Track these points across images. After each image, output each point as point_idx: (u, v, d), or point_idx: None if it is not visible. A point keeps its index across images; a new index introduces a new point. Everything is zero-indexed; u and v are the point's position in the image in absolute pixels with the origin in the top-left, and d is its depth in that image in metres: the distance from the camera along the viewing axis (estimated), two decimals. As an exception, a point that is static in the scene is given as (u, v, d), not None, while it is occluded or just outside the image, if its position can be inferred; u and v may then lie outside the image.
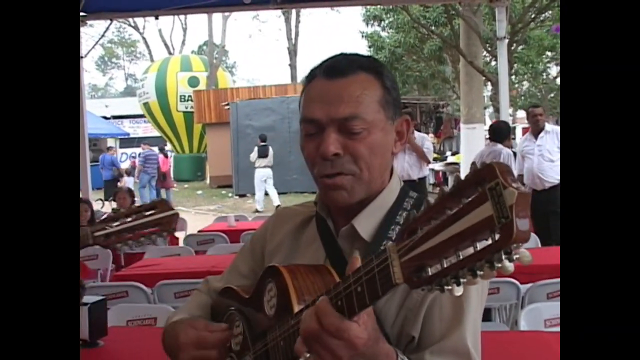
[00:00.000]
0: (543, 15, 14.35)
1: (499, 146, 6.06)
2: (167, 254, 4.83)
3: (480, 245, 0.67)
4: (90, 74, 47.80)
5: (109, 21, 7.66)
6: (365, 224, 1.12)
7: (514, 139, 10.06)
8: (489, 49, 13.10)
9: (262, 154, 13.60)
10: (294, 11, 25.49)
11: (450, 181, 13.89)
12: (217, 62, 24.80)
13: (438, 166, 15.06)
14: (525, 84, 24.85)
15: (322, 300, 0.86)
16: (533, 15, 12.60)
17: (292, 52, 28.31)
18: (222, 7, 8.01)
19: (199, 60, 23.87)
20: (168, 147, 22.83)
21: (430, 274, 0.73)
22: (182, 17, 32.27)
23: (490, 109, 17.68)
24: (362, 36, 21.04)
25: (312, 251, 1.19)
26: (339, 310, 0.85)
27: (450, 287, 0.71)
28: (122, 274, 4.08)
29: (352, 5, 11.00)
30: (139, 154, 16.52)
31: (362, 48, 21.53)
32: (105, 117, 25.83)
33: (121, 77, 54.83)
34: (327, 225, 1.18)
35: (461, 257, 0.69)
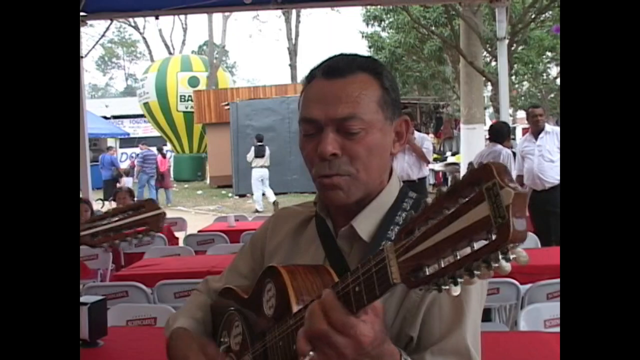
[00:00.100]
0: (543, 15, 14.34)
1: (499, 146, 6.06)
2: (167, 254, 4.83)
3: (477, 245, 0.67)
4: (90, 74, 47.88)
5: (109, 21, 7.66)
6: (365, 224, 1.12)
7: (514, 139, 10.06)
8: (489, 49, 13.10)
9: (259, 154, 13.65)
10: (294, 11, 25.49)
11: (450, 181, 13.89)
12: (217, 62, 24.80)
13: (438, 166, 15.06)
14: (526, 84, 24.86)
15: (328, 294, 0.86)
16: (533, 16, 12.59)
17: (292, 52, 28.30)
18: (222, 7, 8.00)
19: (199, 60, 23.87)
20: (168, 147, 22.85)
21: (427, 273, 0.73)
22: (182, 17, 32.28)
23: (491, 110, 17.66)
24: (362, 36, 21.05)
25: (312, 251, 1.19)
26: None
27: (447, 287, 0.71)
28: (122, 273, 4.09)
29: (352, 6, 10.99)
30: (137, 154, 16.53)
31: (362, 48, 21.54)
32: (105, 117, 25.81)
33: (121, 77, 54.88)
34: (327, 226, 1.18)
35: (458, 257, 0.69)
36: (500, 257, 0.65)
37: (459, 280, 0.70)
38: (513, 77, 19.01)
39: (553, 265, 3.30)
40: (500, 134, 6.21)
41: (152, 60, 32.86)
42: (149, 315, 2.88)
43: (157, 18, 7.24)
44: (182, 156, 22.51)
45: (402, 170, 6.37)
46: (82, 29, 6.91)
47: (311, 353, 0.87)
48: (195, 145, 22.29)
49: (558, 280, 2.94)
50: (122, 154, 23.83)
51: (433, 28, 15.72)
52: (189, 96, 21.12)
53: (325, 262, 1.14)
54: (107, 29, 8.59)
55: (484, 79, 11.26)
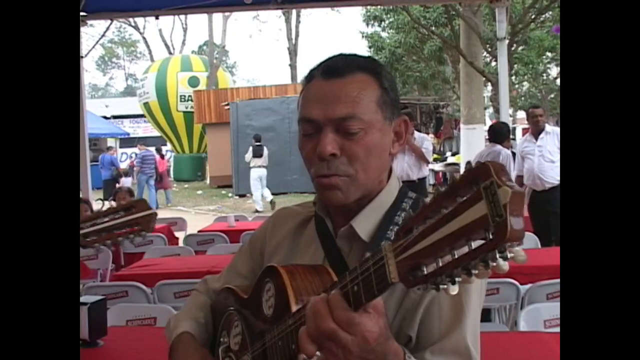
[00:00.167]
0: (543, 16, 14.33)
1: (498, 147, 6.06)
2: (167, 254, 4.84)
3: (475, 244, 0.67)
4: (90, 74, 47.85)
5: (109, 21, 7.65)
6: (364, 224, 1.12)
7: (514, 139, 10.05)
8: (489, 49, 13.11)
9: (257, 154, 13.68)
10: (294, 11, 25.49)
11: (450, 182, 13.88)
12: (217, 62, 24.80)
13: (438, 167, 15.07)
14: (526, 84, 24.85)
15: (334, 294, 0.86)
16: (533, 16, 12.59)
17: (292, 52, 28.29)
18: (223, 7, 7.99)
19: (199, 60, 23.88)
20: (168, 147, 22.85)
21: (425, 272, 0.73)
22: (182, 17, 32.29)
23: (491, 110, 17.66)
24: (362, 36, 21.03)
25: (311, 251, 1.19)
26: None
27: (445, 286, 0.71)
28: (121, 273, 4.09)
29: (352, 6, 10.98)
30: (136, 155, 16.55)
31: (362, 48, 21.53)
32: (105, 117, 25.81)
33: (121, 77, 54.86)
34: (326, 226, 1.18)
35: (456, 256, 0.69)
36: (497, 256, 0.65)
37: (457, 279, 0.70)
38: (513, 78, 19.00)
39: (553, 266, 3.31)
40: (499, 134, 6.21)
41: (152, 60, 32.86)
42: (148, 315, 2.88)
43: (157, 18, 7.23)
44: (182, 156, 22.51)
45: (402, 170, 6.37)
46: (82, 29, 6.91)
47: (318, 353, 0.87)
48: (195, 145, 22.29)
49: (558, 280, 2.94)
50: (122, 154, 23.84)
51: (433, 28, 15.71)
52: (189, 96, 21.12)
53: (325, 262, 1.14)
54: (107, 29, 8.59)
55: (484, 79, 11.26)
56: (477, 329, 1.07)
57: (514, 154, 6.25)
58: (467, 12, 10.67)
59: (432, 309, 1.04)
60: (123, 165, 18.68)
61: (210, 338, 1.30)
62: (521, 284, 3.02)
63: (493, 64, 15.12)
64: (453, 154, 16.35)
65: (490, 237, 0.65)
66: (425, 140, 6.76)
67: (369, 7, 17.31)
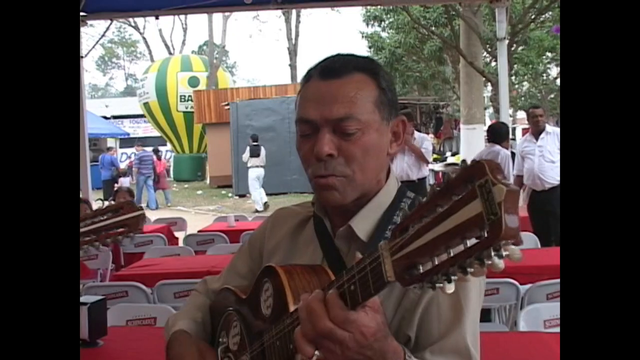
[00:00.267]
0: (543, 16, 14.34)
1: (497, 147, 6.06)
2: (167, 254, 4.84)
3: (470, 242, 0.67)
4: (90, 74, 47.81)
5: (109, 21, 7.65)
6: (362, 224, 1.12)
7: (514, 139, 10.06)
8: (489, 49, 13.11)
9: (254, 154, 13.70)
10: (294, 11, 25.49)
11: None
12: (217, 62, 24.80)
13: (438, 167, 15.05)
14: (526, 84, 24.84)
15: (331, 293, 0.86)
16: (533, 16, 12.60)
17: (292, 52, 28.29)
18: (223, 7, 7.99)
19: (199, 60, 23.87)
20: (168, 147, 22.84)
21: (421, 271, 0.73)
22: (182, 17, 32.27)
23: (490, 110, 17.66)
24: (362, 36, 21.04)
25: (310, 251, 1.19)
26: None
27: (441, 285, 0.71)
28: (121, 273, 4.09)
29: (352, 6, 10.98)
30: (135, 155, 16.58)
31: (362, 48, 21.52)
32: (105, 117, 25.81)
33: (121, 77, 54.84)
34: (325, 226, 1.18)
35: (452, 255, 0.69)
36: (493, 254, 0.65)
37: (453, 277, 0.70)
38: (513, 78, 18.99)
39: (553, 266, 3.31)
40: (498, 134, 6.21)
41: (152, 60, 32.86)
42: (148, 315, 2.88)
43: (157, 18, 7.23)
44: (182, 156, 22.51)
45: (402, 170, 6.37)
46: (82, 29, 6.90)
47: (317, 353, 0.87)
48: (195, 145, 22.29)
49: (558, 280, 2.94)
50: (122, 154, 23.82)
51: (433, 28, 15.72)
52: (189, 96, 21.11)
53: (323, 262, 1.14)
54: (107, 29, 8.59)
55: (483, 79, 11.28)
56: (476, 328, 1.07)
57: (513, 154, 6.25)
58: (467, 12, 10.68)
59: (430, 309, 1.04)
60: (123, 166, 18.69)
61: (208, 338, 1.30)
62: (521, 284, 3.02)
63: (493, 64, 15.13)
64: (453, 154, 16.33)
65: (485, 235, 0.65)
66: (425, 141, 6.75)
67: (369, 7, 17.31)
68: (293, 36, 28.39)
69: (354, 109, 1.06)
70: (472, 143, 10.16)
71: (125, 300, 3.24)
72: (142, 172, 15.43)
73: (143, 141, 18.02)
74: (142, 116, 24.92)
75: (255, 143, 13.74)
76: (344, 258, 1.13)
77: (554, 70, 23.23)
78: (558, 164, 5.57)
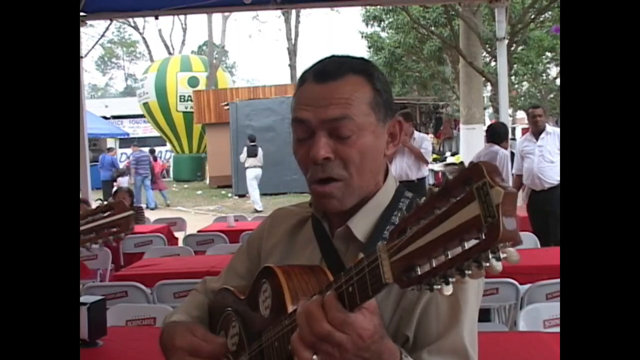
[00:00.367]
0: (543, 16, 14.35)
1: (496, 147, 6.06)
2: (167, 254, 4.84)
3: (468, 245, 0.67)
4: (90, 74, 47.72)
5: (108, 21, 7.66)
6: (361, 225, 1.12)
7: (514, 139, 10.05)
8: (489, 49, 13.10)
9: (252, 154, 13.71)
10: (293, 11, 25.48)
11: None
12: (217, 62, 24.80)
13: (437, 167, 15.06)
14: (525, 84, 24.83)
15: (329, 295, 0.86)
16: (533, 16, 12.61)
17: (292, 52, 28.28)
18: (222, 7, 8.00)
19: (198, 61, 23.88)
20: (168, 147, 22.83)
21: (419, 273, 0.73)
22: (182, 17, 32.25)
23: (490, 110, 17.67)
24: (362, 37, 21.03)
25: (308, 252, 1.19)
26: None
27: (439, 287, 0.71)
28: (121, 274, 4.09)
29: (352, 6, 10.99)
30: (132, 155, 16.63)
31: (361, 48, 21.55)
32: (105, 117, 25.80)
33: (121, 77, 54.76)
34: (323, 227, 1.18)
35: (450, 257, 0.69)
36: (490, 256, 0.65)
37: (451, 279, 0.70)
38: (512, 78, 18.98)
39: (552, 266, 3.30)
40: (497, 134, 6.20)
41: (151, 60, 32.83)
42: (148, 315, 2.88)
43: (156, 18, 7.23)
44: (181, 156, 22.51)
45: (402, 170, 6.38)
46: (82, 29, 6.90)
47: (315, 357, 0.87)
48: (195, 145, 22.29)
49: (557, 280, 2.94)
50: (121, 154, 23.84)
51: (433, 28, 15.72)
52: (189, 96, 21.12)
53: (322, 262, 1.14)
54: (107, 29, 8.61)
55: (483, 79, 11.29)
56: (474, 328, 1.07)
57: (512, 154, 6.25)
58: (467, 12, 10.69)
59: (429, 309, 1.04)
60: (121, 166, 18.72)
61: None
62: (520, 284, 3.02)
63: (492, 64, 15.12)
64: (452, 154, 16.35)
65: (483, 237, 0.65)
66: (425, 141, 6.76)
67: (368, 7, 17.31)
68: (293, 36, 28.38)
69: (349, 109, 1.06)
70: (471, 143, 10.16)
71: (124, 301, 3.24)
72: (139, 172, 15.47)
73: (142, 141, 18.05)
74: (141, 116, 24.92)
75: (252, 143, 13.75)
76: (342, 258, 1.12)
77: (554, 70, 23.25)
78: (557, 164, 5.57)
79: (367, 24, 19.81)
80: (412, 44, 18.62)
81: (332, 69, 1.10)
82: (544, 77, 23.68)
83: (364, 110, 1.08)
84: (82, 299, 2.39)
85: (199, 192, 18.67)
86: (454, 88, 17.85)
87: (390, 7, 17.17)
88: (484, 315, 3.40)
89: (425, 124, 21.51)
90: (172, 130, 21.91)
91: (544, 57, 20.80)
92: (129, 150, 23.89)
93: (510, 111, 13.75)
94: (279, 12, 24.31)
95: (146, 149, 16.58)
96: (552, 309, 2.59)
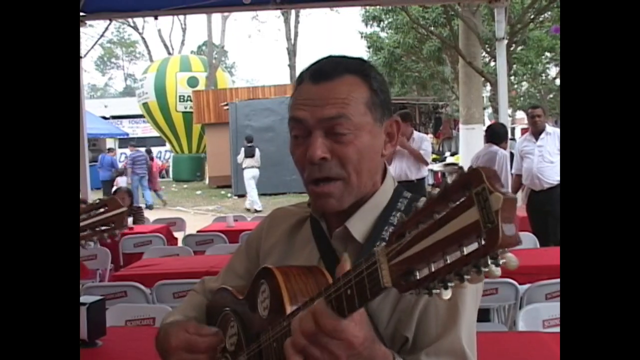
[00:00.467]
0: (542, 16, 14.35)
1: (495, 147, 6.06)
2: (166, 254, 4.84)
3: (467, 250, 0.67)
4: (89, 74, 47.73)
5: (108, 21, 7.65)
6: (359, 225, 1.12)
7: (513, 139, 10.05)
8: (488, 49, 13.09)
9: (249, 154, 13.73)
10: (293, 12, 25.49)
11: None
12: (217, 63, 24.78)
13: (437, 167, 15.08)
14: (525, 84, 24.83)
15: (319, 302, 0.86)
16: (532, 16, 12.61)
17: (292, 52, 28.27)
18: (222, 7, 7.99)
19: (198, 61, 23.87)
20: (167, 147, 22.82)
21: (418, 277, 0.73)
22: (181, 17, 32.24)
23: (490, 110, 17.66)
24: (361, 37, 21.02)
25: (307, 252, 1.19)
26: None
27: (438, 291, 0.71)
28: (120, 274, 4.09)
29: (352, 6, 10.99)
30: (130, 155, 16.65)
31: (361, 48, 21.55)
32: (104, 117, 25.80)
33: (120, 77, 54.71)
34: (321, 227, 1.18)
35: (448, 261, 0.69)
36: (489, 262, 0.65)
37: (449, 284, 0.70)
38: (512, 78, 18.98)
39: (552, 266, 3.31)
40: (497, 135, 6.20)
41: (151, 60, 32.81)
42: (147, 316, 2.88)
43: (156, 18, 7.22)
44: (181, 156, 22.51)
45: (401, 170, 6.38)
46: (81, 29, 6.90)
47: None
48: (195, 145, 22.29)
49: (557, 280, 2.94)
50: (121, 154, 23.84)
51: (432, 28, 15.72)
52: (188, 96, 21.11)
53: (320, 262, 1.14)
54: (106, 29, 8.58)
55: (483, 79, 11.28)
56: (473, 330, 1.07)
57: (512, 154, 6.25)
58: (466, 12, 10.69)
59: (429, 310, 1.04)
60: (120, 166, 18.73)
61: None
62: (520, 284, 3.02)
63: (492, 64, 15.11)
64: (452, 154, 16.37)
65: (482, 243, 0.65)
66: (425, 141, 6.75)
67: (368, 7, 17.30)
68: (292, 36, 28.38)
69: (346, 109, 1.06)
70: (471, 143, 10.15)
71: (124, 301, 3.24)
72: (136, 172, 15.48)
73: (142, 141, 18.05)
74: (141, 116, 24.92)
75: (249, 144, 13.78)
76: (340, 259, 1.12)
77: (553, 70, 23.25)
78: (557, 164, 5.57)
79: (366, 24, 19.80)
80: (411, 44, 18.61)
81: (329, 69, 1.10)
82: (544, 77, 23.69)
83: (361, 110, 1.08)
84: (82, 299, 2.39)
85: (199, 192, 18.67)
86: (454, 88, 17.85)
87: (390, 7, 17.16)
88: (484, 315, 3.40)
89: (424, 124, 21.53)
90: (171, 130, 21.91)
91: (543, 57, 20.79)
92: (128, 151, 23.92)
93: (509, 111, 13.75)
94: (278, 12, 24.30)
95: (143, 149, 16.57)
96: (552, 309, 2.59)
